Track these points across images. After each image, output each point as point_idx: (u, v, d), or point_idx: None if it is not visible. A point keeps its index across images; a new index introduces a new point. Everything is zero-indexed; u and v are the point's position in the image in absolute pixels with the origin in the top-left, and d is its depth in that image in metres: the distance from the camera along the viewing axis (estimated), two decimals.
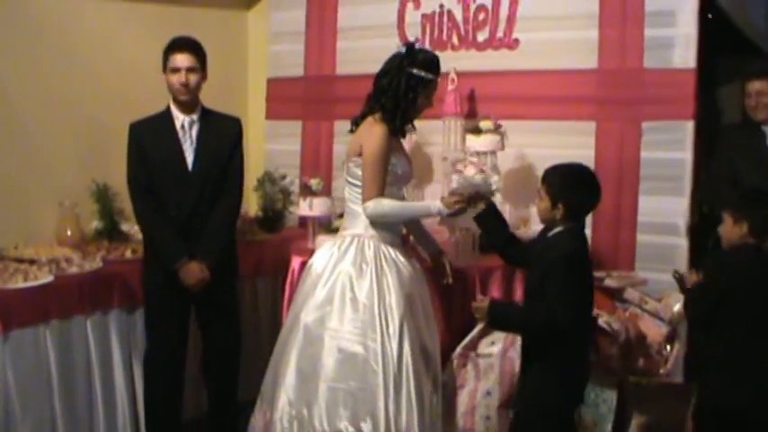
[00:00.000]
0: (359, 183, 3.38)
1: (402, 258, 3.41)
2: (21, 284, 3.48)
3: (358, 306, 3.28)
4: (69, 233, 4.14)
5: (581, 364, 3.06)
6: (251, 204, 5.19)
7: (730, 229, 3.20)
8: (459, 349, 3.49)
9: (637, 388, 3.60)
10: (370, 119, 3.42)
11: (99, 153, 4.43)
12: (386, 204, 3.31)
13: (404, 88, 3.37)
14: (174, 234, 3.64)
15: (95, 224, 4.23)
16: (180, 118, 3.68)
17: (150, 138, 3.66)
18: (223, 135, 3.75)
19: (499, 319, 3.03)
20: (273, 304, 4.65)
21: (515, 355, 3.34)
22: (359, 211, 3.39)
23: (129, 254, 4.00)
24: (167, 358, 3.76)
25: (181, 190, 3.64)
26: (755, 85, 3.95)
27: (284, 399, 3.30)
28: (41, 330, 3.49)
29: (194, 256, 3.63)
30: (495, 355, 3.41)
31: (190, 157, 3.66)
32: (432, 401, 3.31)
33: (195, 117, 3.70)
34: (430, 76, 3.42)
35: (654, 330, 3.85)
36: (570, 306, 2.87)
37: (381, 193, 3.32)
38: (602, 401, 3.60)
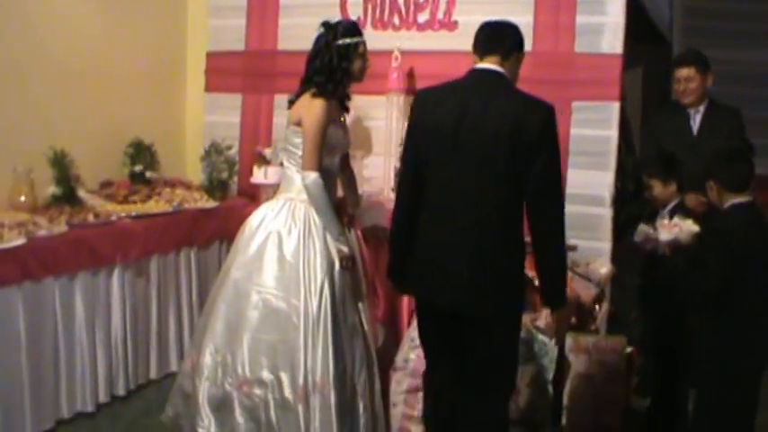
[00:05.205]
0: (295, 150, 3.59)
1: None
2: None
3: (284, 265, 3.50)
4: (23, 198, 4.14)
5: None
6: (196, 174, 5.31)
7: (663, 191, 3.87)
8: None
9: (574, 341, 3.97)
10: (307, 94, 3.61)
11: (53, 120, 4.47)
12: (320, 191, 3.47)
13: (337, 61, 3.59)
14: None
15: (52, 190, 4.25)
16: None
17: None
18: None
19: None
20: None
21: None
22: (294, 176, 3.60)
23: (91, 218, 4.07)
24: None
25: None
26: (683, 72, 4.27)
27: (211, 345, 3.54)
28: (13, 291, 3.56)
29: None
30: None
31: None
32: (352, 358, 3.54)
33: None
34: (357, 39, 3.66)
35: (585, 291, 4.23)
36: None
37: (320, 164, 3.50)
38: (544, 353, 3.95)
